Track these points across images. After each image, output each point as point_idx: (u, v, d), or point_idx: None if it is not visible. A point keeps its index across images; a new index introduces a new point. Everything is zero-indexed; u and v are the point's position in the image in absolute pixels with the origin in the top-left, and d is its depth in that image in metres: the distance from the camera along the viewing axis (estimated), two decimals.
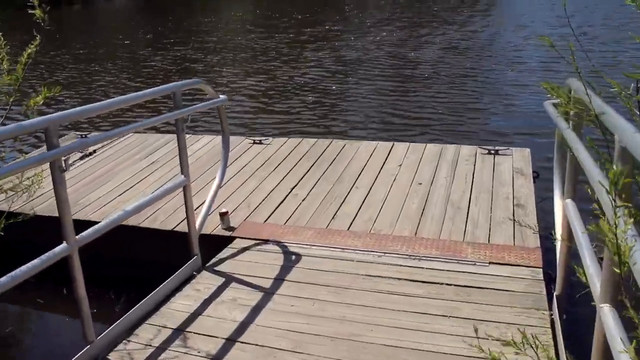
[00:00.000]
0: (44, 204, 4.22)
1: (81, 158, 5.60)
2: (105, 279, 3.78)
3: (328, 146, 5.21)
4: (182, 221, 3.70)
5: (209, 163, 4.96)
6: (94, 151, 5.72)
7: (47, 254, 2.20)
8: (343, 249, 3.35)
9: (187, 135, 5.88)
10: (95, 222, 4.08)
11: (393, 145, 5.10)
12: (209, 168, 4.82)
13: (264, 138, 5.55)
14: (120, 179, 4.84)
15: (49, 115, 2.17)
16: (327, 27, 16.14)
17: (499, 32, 13.86)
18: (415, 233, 3.50)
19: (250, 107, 8.67)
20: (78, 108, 2.34)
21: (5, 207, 2.79)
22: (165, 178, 4.69)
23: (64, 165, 2.19)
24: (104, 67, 13.01)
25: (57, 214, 2.24)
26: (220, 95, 3.44)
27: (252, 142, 5.49)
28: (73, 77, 12.23)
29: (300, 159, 4.95)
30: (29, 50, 2.50)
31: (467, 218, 3.65)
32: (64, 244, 2.27)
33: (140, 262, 3.94)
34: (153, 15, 27.39)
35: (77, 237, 2.33)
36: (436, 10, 18.51)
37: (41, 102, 2.48)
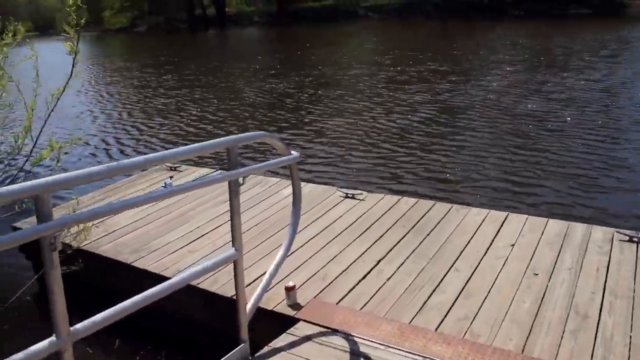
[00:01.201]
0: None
1: (165, 186, 5.32)
2: (144, 330, 3.49)
3: (430, 209, 4.50)
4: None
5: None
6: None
7: (33, 348, 1.73)
8: (425, 357, 2.64)
9: (277, 179, 5.47)
10: (155, 274, 3.79)
11: (507, 216, 4.28)
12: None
13: (357, 192, 4.93)
14: (195, 224, 4.45)
15: (42, 180, 1.70)
16: (434, 66, 15.32)
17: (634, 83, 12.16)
18: (523, 348, 2.70)
19: (345, 151, 8.10)
20: (80, 171, 1.83)
21: None
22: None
23: (56, 242, 1.71)
24: (202, 95, 13.18)
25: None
26: (293, 152, 2.88)
27: (344, 195, 4.90)
28: (165, 104, 12.48)
29: (395, 222, 4.28)
30: (55, 94, 2.09)
31: (596, 334, 2.79)
32: (52, 337, 1.79)
33: (186, 320, 3.60)
34: (278, 43, 28.04)
35: (72, 328, 1.83)
36: (556, 54, 16.99)
37: (47, 158, 2.04)
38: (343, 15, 47.87)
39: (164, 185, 5.21)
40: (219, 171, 5.72)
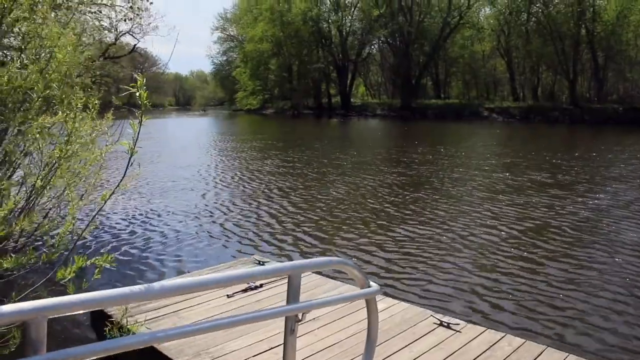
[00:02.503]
0: None
1: (244, 290, 5.01)
2: None
3: (539, 355, 3.78)
4: None
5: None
6: (261, 285, 5.11)
7: None
8: None
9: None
10: None
11: None
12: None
13: (453, 321, 4.31)
14: (269, 330, 4.03)
15: (39, 302, 1.40)
16: (543, 177, 14.20)
17: None
18: None
19: (428, 266, 7.41)
20: (85, 295, 1.50)
21: None
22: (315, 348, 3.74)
23: None
24: (295, 183, 13.06)
25: None
26: (372, 284, 2.43)
27: (438, 322, 4.30)
28: (256, 187, 12.48)
29: None
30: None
31: None
32: None
33: None
34: (394, 138, 28.04)
35: None
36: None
37: (72, 275, 1.75)
38: (466, 114, 47.59)
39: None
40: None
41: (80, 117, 4.07)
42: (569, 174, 14.85)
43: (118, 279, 6.52)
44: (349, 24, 61.97)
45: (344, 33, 61.40)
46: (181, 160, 19.04)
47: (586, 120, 38.92)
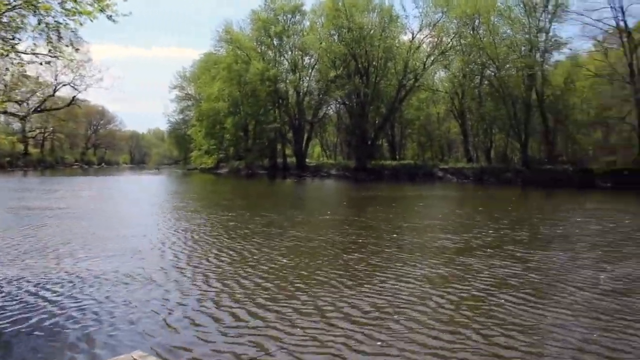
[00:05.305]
0: None
1: None
2: None
3: None
4: None
5: None
6: None
7: None
8: None
9: None
10: None
11: None
12: None
13: None
14: None
15: None
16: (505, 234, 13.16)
17: None
18: None
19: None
20: None
21: None
22: None
23: None
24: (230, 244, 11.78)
25: None
26: None
27: None
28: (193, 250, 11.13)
29: None
30: None
31: None
32: None
33: None
34: (346, 197, 27.00)
35: None
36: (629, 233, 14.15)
37: None
38: (421, 174, 47.35)
39: None
40: None
41: None
42: (507, 236, 13.92)
43: None
44: (306, 85, 62.07)
45: (300, 93, 61.38)
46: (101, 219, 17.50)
47: (538, 182, 38.89)
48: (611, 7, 40.21)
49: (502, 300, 7.68)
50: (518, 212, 20.86)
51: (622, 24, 40.19)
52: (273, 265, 10.04)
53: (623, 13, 39.91)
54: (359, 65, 55.42)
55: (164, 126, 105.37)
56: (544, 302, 7.67)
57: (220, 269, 9.73)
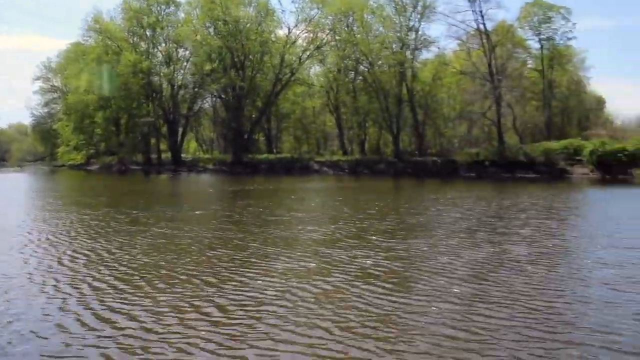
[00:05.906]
0: None
1: None
2: None
3: None
4: None
5: None
6: None
7: None
8: None
9: None
10: None
11: None
12: None
13: None
14: None
15: None
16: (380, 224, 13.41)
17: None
18: None
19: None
20: None
21: None
22: None
23: None
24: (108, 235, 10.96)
25: None
26: None
27: None
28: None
29: None
30: None
31: None
32: None
33: None
34: (222, 191, 26.43)
35: None
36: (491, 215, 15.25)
37: None
38: (297, 168, 47.66)
39: None
40: None
41: None
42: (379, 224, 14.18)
43: None
44: (181, 78, 60.12)
45: (175, 86, 59.36)
46: None
47: (409, 173, 40.58)
48: (473, 10, 43.03)
49: (364, 291, 7.64)
50: (386, 202, 21.47)
51: (482, 26, 43.07)
52: (132, 265, 9.36)
53: (482, 17, 42.78)
54: (235, 59, 54.67)
55: (27, 120, 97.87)
56: (403, 290, 7.74)
57: (73, 272, 8.89)
